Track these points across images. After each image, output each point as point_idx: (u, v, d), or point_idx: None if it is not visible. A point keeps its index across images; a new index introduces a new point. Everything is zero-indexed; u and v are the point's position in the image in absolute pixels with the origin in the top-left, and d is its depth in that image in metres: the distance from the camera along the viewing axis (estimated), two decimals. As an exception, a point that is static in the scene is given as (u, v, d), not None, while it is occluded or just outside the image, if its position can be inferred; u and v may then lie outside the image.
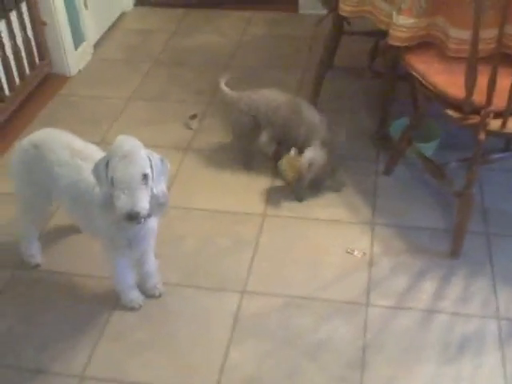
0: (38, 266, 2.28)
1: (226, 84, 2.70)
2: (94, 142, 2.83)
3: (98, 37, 3.69)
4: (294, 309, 2.10)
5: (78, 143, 2.06)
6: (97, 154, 1.99)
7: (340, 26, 2.81)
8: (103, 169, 1.75)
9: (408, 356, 1.94)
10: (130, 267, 2.05)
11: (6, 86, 2.95)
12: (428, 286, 2.15)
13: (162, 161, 1.80)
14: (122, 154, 1.71)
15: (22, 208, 2.19)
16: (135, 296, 2.11)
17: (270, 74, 3.32)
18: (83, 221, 2.07)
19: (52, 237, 2.40)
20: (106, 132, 2.96)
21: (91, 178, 1.84)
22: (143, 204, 1.71)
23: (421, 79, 2.16)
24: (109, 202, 1.76)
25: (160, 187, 1.80)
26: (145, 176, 1.71)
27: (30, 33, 3.12)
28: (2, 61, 2.92)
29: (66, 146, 2.01)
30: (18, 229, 2.25)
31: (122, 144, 1.76)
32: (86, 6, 3.46)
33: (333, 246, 2.32)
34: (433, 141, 2.64)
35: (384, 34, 2.32)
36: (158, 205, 1.81)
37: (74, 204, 2.00)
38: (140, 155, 1.73)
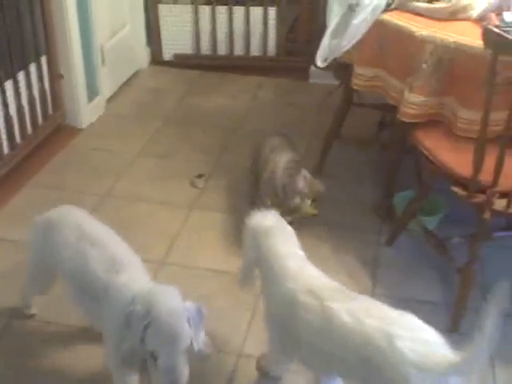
0: (33, 316, 2.26)
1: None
2: (99, 194, 2.91)
3: (112, 92, 3.77)
4: (291, 375, 2.07)
5: (90, 225, 1.95)
6: (110, 240, 1.91)
7: (350, 97, 2.88)
8: (139, 328, 1.60)
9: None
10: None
11: (17, 134, 3.01)
12: (426, 361, 2.14)
13: (198, 312, 1.69)
14: (165, 322, 1.59)
15: (29, 274, 2.13)
16: None
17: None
18: (87, 310, 1.93)
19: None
20: (113, 185, 2.99)
21: (99, 271, 1.77)
22: (185, 377, 1.62)
23: (428, 155, 2.20)
24: (132, 358, 1.67)
25: (200, 340, 1.69)
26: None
27: (46, 84, 3.19)
28: (17, 109, 2.98)
29: (75, 227, 1.91)
30: (23, 283, 2.23)
31: (164, 303, 1.63)
32: (103, 62, 3.56)
33: (333, 314, 2.31)
34: (437, 214, 2.67)
35: (393, 107, 2.39)
36: (200, 356, 1.72)
37: (77, 290, 1.89)
38: (184, 328, 1.61)
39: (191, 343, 1.63)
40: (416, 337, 1.55)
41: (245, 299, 2.36)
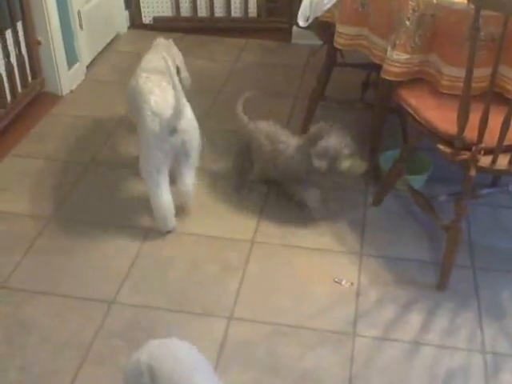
0: None
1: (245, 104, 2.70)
2: (83, 162, 2.87)
3: (92, 58, 3.70)
4: (281, 337, 2.09)
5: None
6: None
7: (333, 57, 2.85)
8: None
9: (394, 388, 1.94)
10: None
11: (-4, 103, 2.96)
12: (415, 318, 2.16)
13: None
14: None
15: None
16: None
17: (261, 102, 3.35)
18: None
19: (36, 259, 2.39)
20: (97, 152, 2.96)
21: None
22: None
23: (413, 114, 2.19)
24: None
25: None
26: None
27: (24, 51, 3.13)
28: (-5, 78, 2.93)
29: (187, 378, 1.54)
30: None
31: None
32: (81, 26, 3.48)
33: (321, 275, 2.32)
34: (423, 173, 2.67)
35: (376, 66, 2.37)
36: None
37: None
38: None
39: None
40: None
41: (233, 263, 2.37)
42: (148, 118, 2.29)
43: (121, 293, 2.24)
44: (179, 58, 2.76)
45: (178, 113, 2.26)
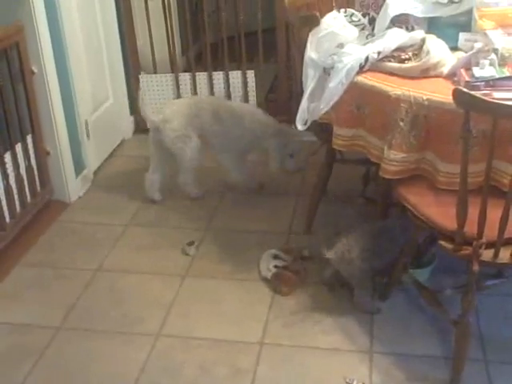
0: None
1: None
2: (91, 269, 2.91)
3: (99, 163, 3.81)
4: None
5: None
6: None
7: (333, 155, 2.93)
8: None
9: None
10: None
11: (7, 214, 3.01)
12: (430, 418, 2.13)
13: None
14: None
15: None
16: None
17: (263, 199, 3.42)
18: None
19: (45, 370, 2.38)
20: (104, 258, 3.00)
21: None
22: None
23: (412, 210, 2.23)
24: None
25: None
26: None
27: (33, 162, 3.22)
28: (5, 190, 2.99)
29: None
30: None
31: None
32: (88, 136, 3.61)
33: (332, 375, 2.30)
34: (427, 266, 2.69)
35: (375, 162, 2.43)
36: None
37: None
38: None
39: None
40: None
41: (244, 366, 2.35)
42: None
43: (131, 403, 2.22)
44: None
45: None
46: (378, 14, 2.62)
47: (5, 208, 3.00)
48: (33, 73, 3.15)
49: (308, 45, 2.49)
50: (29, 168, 3.19)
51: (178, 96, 4.14)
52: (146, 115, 3.36)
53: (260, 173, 3.56)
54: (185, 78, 4.14)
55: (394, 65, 2.36)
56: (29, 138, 3.18)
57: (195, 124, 3.30)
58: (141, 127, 4.24)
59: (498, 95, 2.06)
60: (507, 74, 2.17)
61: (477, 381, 2.25)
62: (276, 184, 3.50)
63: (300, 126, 2.53)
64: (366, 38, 2.58)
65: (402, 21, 2.57)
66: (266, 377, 2.31)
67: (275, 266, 2.78)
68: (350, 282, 2.58)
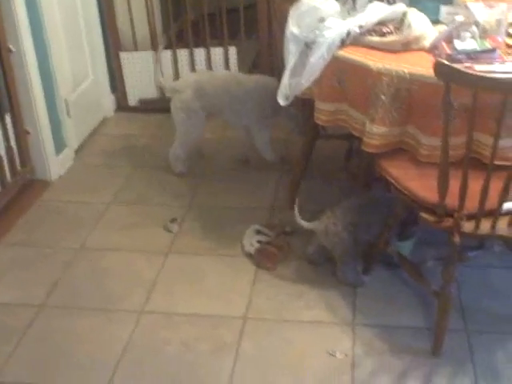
0: None
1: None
2: (73, 248, 2.89)
3: (80, 142, 3.78)
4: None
5: None
6: None
7: (315, 130, 2.93)
8: None
9: None
10: None
11: (-13, 193, 2.99)
12: (412, 387, 2.16)
13: None
14: None
15: None
16: None
17: (246, 175, 3.42)
18: None
19: (28, 350, 2.38)
20: (87, 237, 2.99)
21: None
22: None
23: (394, 183, 2.24)
24: None
25: None
26: None
27: (12, 141, 3.19)
28: (-15, 169, 2.97)
29: None
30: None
31: None
32: (68, 114, 3.57)
33: (315, 348, 2.32)
34: (410, 239, 2.70)
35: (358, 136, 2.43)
36: None
37: None
38: None
39: None
40: None
41: (228, 341, 2.36)
42: None
43: (114, 381, 2.22)
44: None
45: None
46: (359, -13, 2.62)
47: (-15, 187, 2.97)
48: (10, 51, 3.09)
49: (289, 20, 2.48)
50: (8, 148, 3.16)
51: (160, 73, 4.10)
52: (162, 84, 3.63)
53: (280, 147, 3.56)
54: (166, 55, 4.10)
55: (375, 39, 2.36)
56: (8, 118, 3.14)
57: (205, 100, 3.28)
58: (122, 105, 4.23)
59: (480, 68, 2.07)
60: (488, 47, 2.18)
61: (458, 350, 2.29)
62: (260, 159, 3.50)
63: (282, 102, 2.52)
64: (348, 12, 2.57)
65: (383, -6, 2.57)
66: (249, 351, 2.32)
67: (258, 242, 2.80)
68: (334, 255, 2.60)
